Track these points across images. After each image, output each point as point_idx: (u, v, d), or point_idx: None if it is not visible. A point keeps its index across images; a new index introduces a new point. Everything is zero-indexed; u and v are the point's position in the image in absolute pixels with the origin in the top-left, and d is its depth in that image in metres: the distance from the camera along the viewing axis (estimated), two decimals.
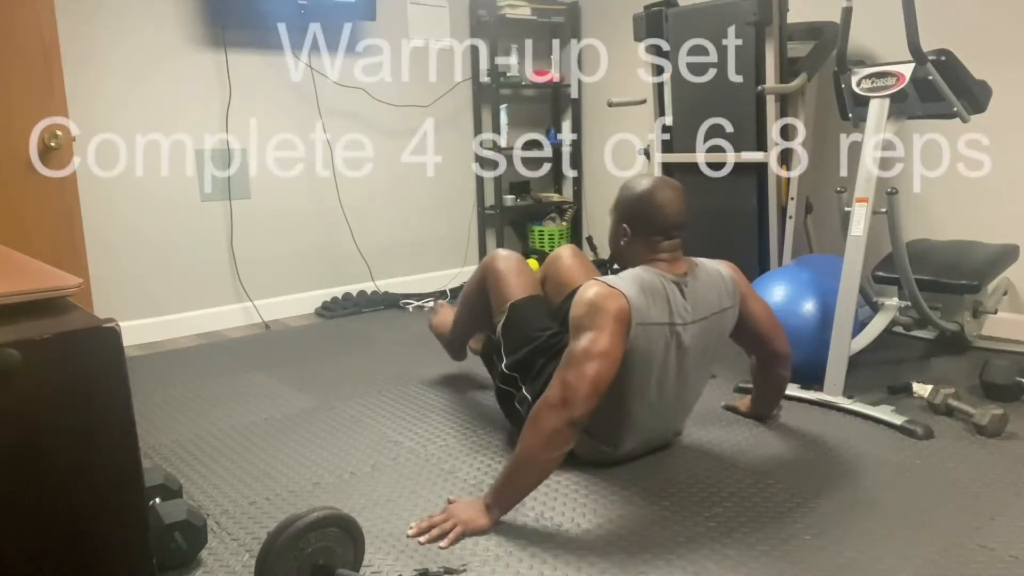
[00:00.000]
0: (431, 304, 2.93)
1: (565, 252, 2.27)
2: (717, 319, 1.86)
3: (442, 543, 1.60)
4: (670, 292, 1.77)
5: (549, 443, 1.62)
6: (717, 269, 1.91)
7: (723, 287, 1.88)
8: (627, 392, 1.78)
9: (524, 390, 2.01)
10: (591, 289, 1.72)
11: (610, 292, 1.69)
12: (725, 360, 2.54)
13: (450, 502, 1.73)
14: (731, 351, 2.09)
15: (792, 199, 3.00)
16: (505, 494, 1.66)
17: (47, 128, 2.41)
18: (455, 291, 3.88)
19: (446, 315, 2.63)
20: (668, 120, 3.35)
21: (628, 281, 1.74)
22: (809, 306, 2.43)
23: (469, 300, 2.36)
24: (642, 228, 1.83)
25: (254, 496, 1.85)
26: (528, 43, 4.35)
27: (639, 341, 1.71)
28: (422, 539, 1.62)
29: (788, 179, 3.01)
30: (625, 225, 1.85)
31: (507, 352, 2.09)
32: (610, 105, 3.44)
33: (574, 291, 2.15)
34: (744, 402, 2.27)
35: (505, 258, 2.19)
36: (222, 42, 3.37)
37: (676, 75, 3.23)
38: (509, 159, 4.36)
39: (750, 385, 2.25)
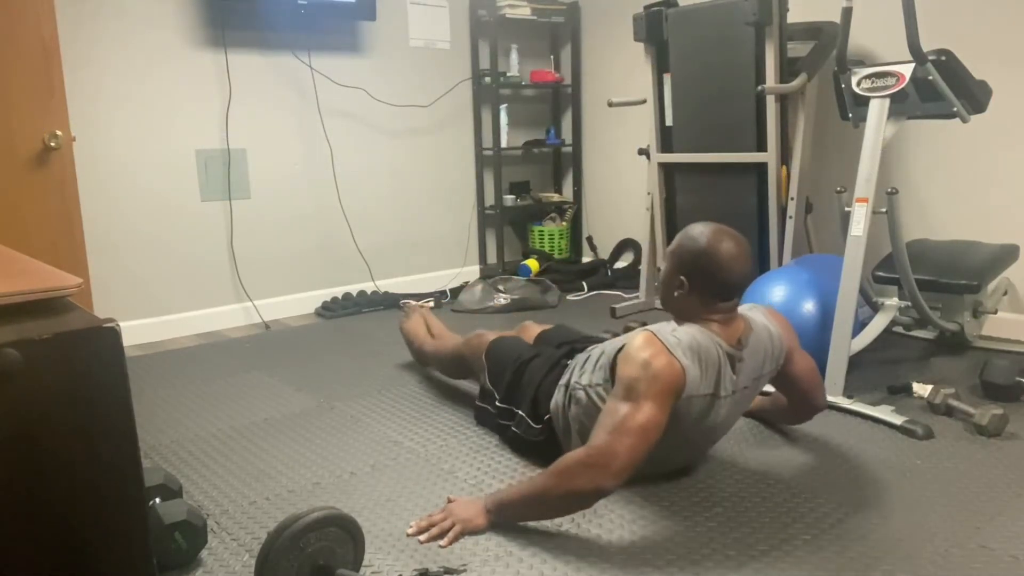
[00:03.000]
0: (422, 303, 2.94)
1: (528, 323, 2.50)
2: (756, 384, 1.80)
3: (441, 542, 1.60)
4: (723, 365, 1.67)
5: (572, 500, 1.60)
6: (767, 329, 1.79)
7: (770, 352, 1.79)
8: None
9: (520, 410, 2.02)
10: (647, 349, 1.61)
11: (668, 359, 1.59)
12: None
13: (449, 501, 1.73)
14: None
15: (792, 199, 3.00)
16: (509, 511, 1.65)
17: (47, 128, 2.41)
18: (455, 291, 3.88)
19: (416, 325, 2.75)
20: (668, 120, 3.36)
21: (686, 349, 1.62)
22: (809, 306, 2.43)
23: (445, 362, 2.52)
24: (701, 284, 1.69)
25: (254, 496, 1.85)
26: (528, 43, 4.36)
27: (678, 408, 1.64)
28: (421, 538, 1.62)
29: (788, 179, 3.01)
30: (683, 277, 1.71)
31: (496, 388, 2.14)
32: (610, 105, 3.44)
33: (542, 331, 2.34)
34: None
35: (479, 334, 2.34)
36: (222, 42, 3.37)
37: (676, 75, 3.24)
38: (509, 159, 4.36)
39: (764, 390, 2.23)
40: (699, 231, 1.72)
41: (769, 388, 2.05)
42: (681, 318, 1.75)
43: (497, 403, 2.12)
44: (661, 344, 1.61)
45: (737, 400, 1.76)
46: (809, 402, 1.98)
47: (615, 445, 1.54)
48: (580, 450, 1.59)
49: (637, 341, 1.64)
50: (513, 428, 2.04)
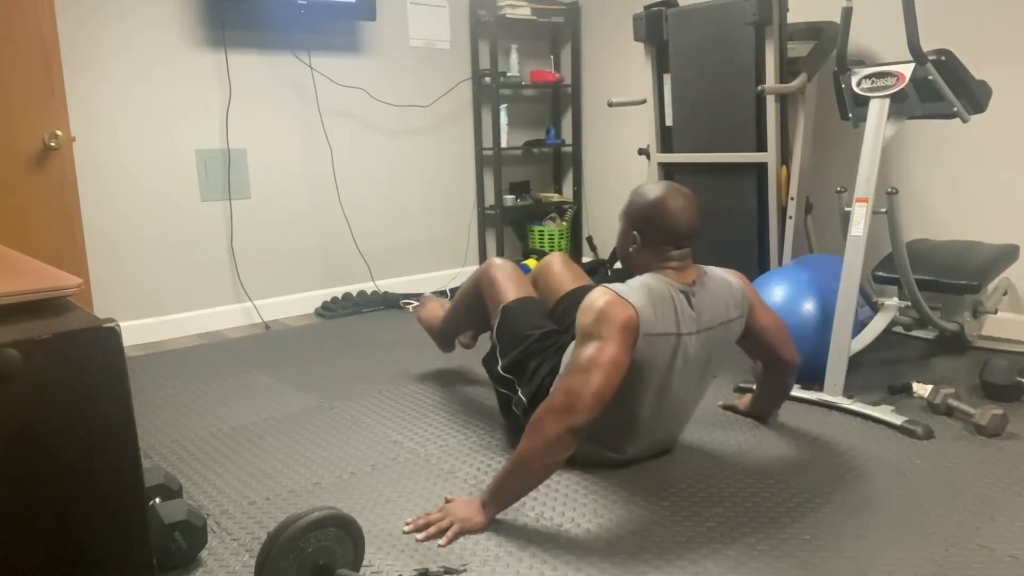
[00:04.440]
0: (418, 300, 2.93)
1: (555, 259, 2.32)
2: (723, 329, 1.85)
3: (440, 541, 1.60)
4: (677, 302, 1.75)
5: (549, 449, 1.61)
6: (726, 278, 1.89)
7: (731, 297, 1.87)
8: (629, 399, 1.77)
9: (520, 392, 2.02)
10: (601, 298, 1.70)
11: (619, 302, 1.68)
12: (725, 360, 2.54)
13: (447, 500, 1.73)
14: (731, 351, 2.09)
15: (792, 199, 3.00)
16: (502, 494, 1.66)
17: (47, 128, 2.41)
18: (455, 291, 3.87)
19: (434, 308, 2.68)
20: (668, 120, 3.36)
21: (637, 291, 1.72)
22: (809, 306, 2.43)
23: (462, 301, 2.42)
24: (652, 236, 1.80)
25: (254, 496, 1.85)
26: (528, 43, 4.36)
27: (644, 351, 1.71)
28: (419, 536, 1.62)
29: (788, 179, 3.01)
30: (635, 232, 1.83)
31: (502, 354, 2.12)
32: (610, 105, 3.44)
33: (566, 295, 2.22)
34: (744, 401, 2.27)
35: (500, 266, 2.25)
36: (222, 42, 3.37)
37: (676, 75, 3.24)
38: (509, 159, 4.36)
39: (750, 385, 2.25)
40: (645, 189, 1.84)
41: (747, 385, 2.07)
42: (639, 272, 1.83)
43: (500, 370, 2.10)
44: (612, 291, 1.71)
45: (705, 341, 1.80)
46: (781, 358, 2.02)
47: (577, 384, 1.61)
48: (546, 399, 1.65)
49: (591, 294, 1.73)
50: (514, 407, 2.05)
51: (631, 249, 1.85)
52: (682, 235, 1.79)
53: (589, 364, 1.63)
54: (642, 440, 1.90)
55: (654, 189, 1.82)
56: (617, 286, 1.73)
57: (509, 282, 2.21)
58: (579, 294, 2.23)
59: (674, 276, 1.78)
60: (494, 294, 2.21)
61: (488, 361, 2.22)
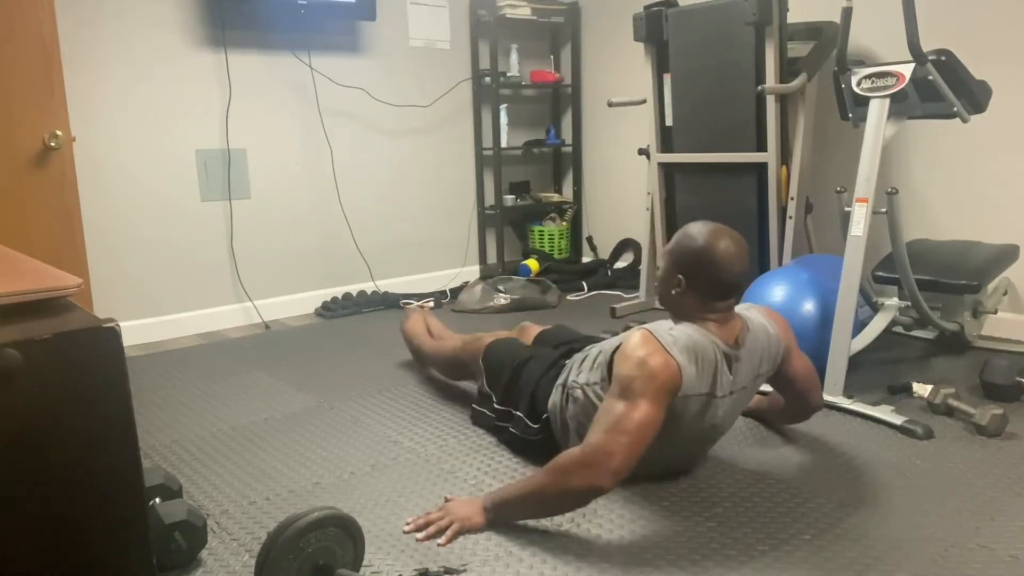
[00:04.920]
0: (422, 303, 2.94)
1: (528, 323, 2.50)
2: (754, 383, 1.80)
3: (439, 540, 1.60)
4: (720, 364, 1.67)
5: (568, 499, 1.60)
6: (765, 329, 1.79)
7: (767, 351, 1.79)
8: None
9: (518, 412, 2.03)
10: (644, 347, 1.60)
11: (662, 356, 1.59)
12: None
13: (447, 500, 1.73)
14: None
15: (792, 199, 3.00)
16: (507, 510, 1.66)
17: (47, 128, 2.41)
18: (455, 291, 3.88)
19: (417, 324, 2.74)
20: (668, 120, 3.36)
21: (682, 348, 1.62)
22: (809, 306, 2.43)
23: (443, 363, 2.52)
24: (698, 284, 1.69)
25: (254, 496, 1.85)
26: (528, 43, 4.36)
27: (675, 407, 1.64)
28: (419, 536, 1.62)
29: (788, 179, 3.01)
30: (680, 276, 1.71)
31: (494, 391, 2.14)
32: (610, 105, 3.44)
33: (544, 330, 2.34)
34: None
35: (488, 336, 2.34)
36: (222, 42, 3.37)
37: (676, 75, 3.24)
38: (509, 159, 4.37)
39: (761, 389, 2.23)
40: (697, 230, 1.72)
41: (767, 387, 2.06)
42: (678, 317, 1.75)
43: (495, 405, 2.12)
44: (657, 342, 1.61)
45: (735, 400, 1.76)
46: (806, 402, 1.98)
47: (611, 444, 1.54)
48: (576, 449, 1.59)
49: (634, 339, 1.64)
50: (511, 429, 2.04)
51: (673, 292, 1.74)
52: (731, 287, 1.69)
53: (624, 424, 1.55)
54: (652, 471, 1.86)
55: (705, 233, 1.70)
56: (660, 333, 1.64)
57: (487, 335, 2.33)
58: (553, 330, 2.36)
59: (717, 331, 1.69)
60: (475, 353, 2.28)
61: (479, 416, 2.23)
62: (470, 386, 2.59)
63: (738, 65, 2.99)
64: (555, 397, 1.92)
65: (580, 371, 1.86)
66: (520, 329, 2.48)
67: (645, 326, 1.69)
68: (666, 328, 1.67)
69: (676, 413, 1.65)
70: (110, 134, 3.15)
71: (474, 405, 2.25)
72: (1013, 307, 2.94)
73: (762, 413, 2.20)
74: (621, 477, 1.55)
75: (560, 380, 1.93)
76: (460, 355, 2.37)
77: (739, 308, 1.82)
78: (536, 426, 1.96)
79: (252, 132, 3.50)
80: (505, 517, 1.66)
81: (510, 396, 2.07)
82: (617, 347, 1.71)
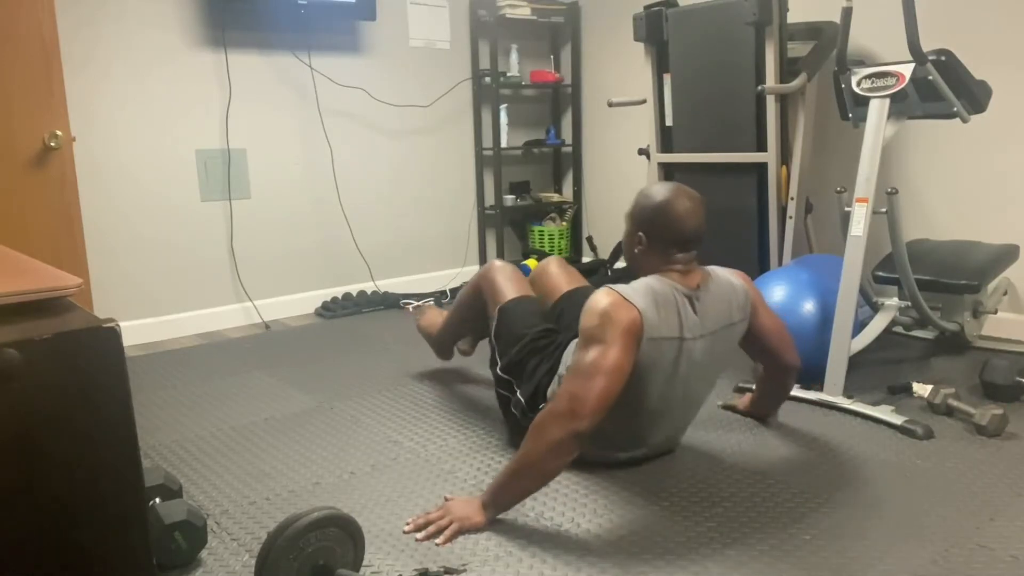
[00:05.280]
0: (418, 304, 2.93)
1: (552, 262, 2.35)
2: (726, 332, 1.84)
3: (438, 540, 1.60)
4: (681, 306, 1.74)
5: (552, 453, 1.61)
6: (730, 281, 1.88)
7: (735, 300, 1.86)
8: (632, 402, 1.77)
9: (518, 392, 2.03)
10: (604, 299, 1.69)
11: (622, 303, 1.67)
12: (729, 362, 2.54)
13: (447, 499, 1.73)
14: (734, 352, 2.09)
15: (792, 199, 3.00)
16: (503, 496, 1.66)
17: (47, 128, 2.41)
18: (455, 291, 3.88)
19: (432, 316, 2.70)
20: (668, 120, 3.36)
21: (641, 293, 1.70)
22: (809, 306, 2.43)
23: (462, 304, 2.43)
24: (658, 238, 1.78)
25: (254, 496, 1.85)
26: (528, 43, 4.36)
27: (647, 354, 1.69)
28: (419, 536, 1.62)
29: (788, 179, 3.01)
30: (641, 234, 1.81)
31: (500, 355, 2.13)
32: (610, 105, 3.44)
33: (563, 295, 2.24)
34: (743, 401, 2.27)
35: (500, 267, 2.28)
36: (222, 42, 3.37)
37: (676, 75, 3.24)
38: (509, 159, 4.36)
39: (749, 385, 2.25)
40: (653, 189, 1.84)
41: (746, 385, 2.07)
42: (644, 274, 1.82)
43: (499, 370, 2.11)
44: (617, 294, 1.69)
45: (709, 345, 1.80)
46: (782, 360, 2.02)
47: (580, 389, 1.60)
48: (549, 404, 1.64)
49: (595, 296, 1.72)
50: (512, 409, 2.05)
51: (636, 251, 1.84)
52: (688, 238, 1.77)
53: (592, 369, 1.62)
54: (645, 441, 1.90)
55: (661, 191, 1.80)
56: (621, 287, 1.72)
57: (508, 283, 2.23)
58: (576, 295, 2.25)
59: (679, 279, 1.77)
60: (493, 295, 2.23)
61: (491, 364, 2.22)
62: (472, 388, 2.60)
63: (738, 65, 2.99)
64: (554, 387, 1.94)
65: (570, 355, 1.88)
66: (543, 270, 2.34)
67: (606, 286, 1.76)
68: (627, 284, 1.75)
69: (650, 360, 1.70)
70: (110, 134, 3.15)
71: (491, 359, 2.22)
72: (1013, 307, 2.94)
73: (755, 407, 2.22)
74: (597, 417, 1.60)
75: (559, 371, 1.94)
76: (479, 283, 2.30)
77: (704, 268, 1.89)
78: (533, 414, 1.96)
79: (252, 132, 3.50)
80: (503, 503, 1.67)
81: (513, 369, 2.07)
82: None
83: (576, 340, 1.91)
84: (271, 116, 3.55)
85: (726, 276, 1.89)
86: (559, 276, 2.30)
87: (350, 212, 3.84)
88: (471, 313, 2.40)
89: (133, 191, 3.23)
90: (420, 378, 2.70)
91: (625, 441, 1.88)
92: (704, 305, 1.78)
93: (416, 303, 3.75)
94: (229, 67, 3.39)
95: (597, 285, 4.29)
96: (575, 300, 2.20)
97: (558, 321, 2.16)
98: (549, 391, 1.95)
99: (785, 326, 2.02)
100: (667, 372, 1.76)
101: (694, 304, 1.76)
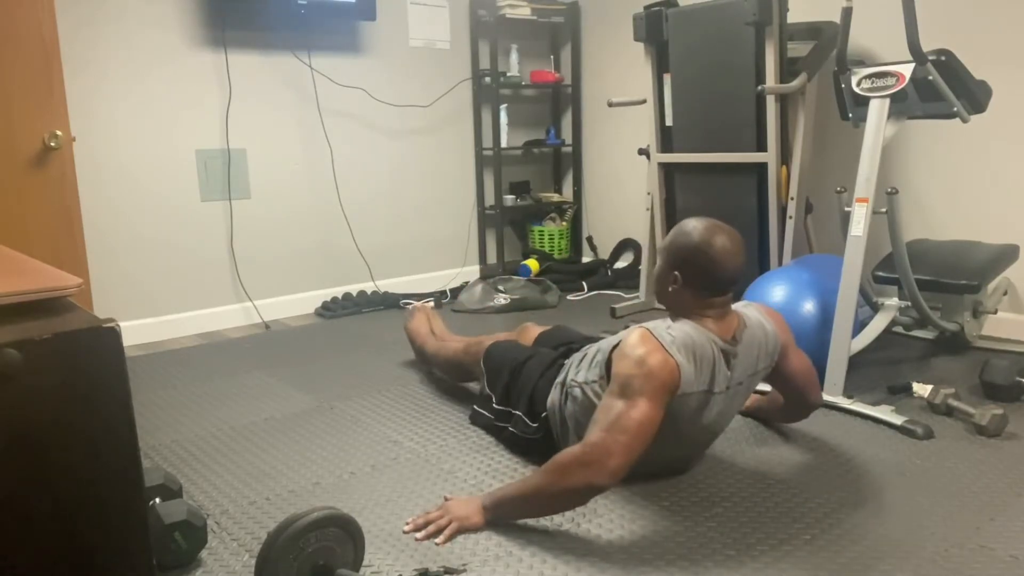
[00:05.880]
0: (416, 304, 2.94)
1: (530, 324, 2.52)
2: (751, 380, 1.80)
3: (438, 540, 1.60)
4: (717, 362, 1.67)
5: (565, 496, 1.60)
6: (762, 325, 1.80)
7: (764, 348, 1.79)
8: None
9: (518, 410, 2.03)
10: (642, 347, 1.61)
11: (661, 354, 1.59)
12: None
13: (446, 499, 1.73)
14: None
15: (792, 199, 3.00)
16: (505, 509, 1.66)
17: (47, 128, 2.41)
18: (455, 291, 3.88)
19: (420, 322, 2.75)
20: (668, 120, 3.36)
21: (680, 346, 1.63)
22: (809, 306, 2.43)
23: (449, 361, 2.49)
24: (694, 279, 1.70)
25: (254, 496, 1.85)
26: (528, 43, 4.36)
27: (673, 405, 1.64)
28: (418, 535, 1.62)
29: (788, 179, 3.01)
30: (677, 273, 1.72)
31: (493, 391, 2.15)
32: (610, 105, 3.44)
33: (542, 332, 2.34)
34: (747, 402, 2.25)
35: (489, 339, 2.35)
36: (222, 42, 3.36)
37: (676, 75, 3.24)
38: (509, 159, 4.37)
39: (760, 388, 2.23)
40: (692, 226, 1.73)
41: (765, 387, 2.06)
42: (676, 313, 1.76)
43: (494, 405, 2.12)
44: (656, 341, 1.62)
45: (732, 395, 1.76)
46: (805, 399, 1.98)
47: (610, 443, 1.54)
48: (576, 447, 1.59)
49: (632, 338, 1.65)
50: (510, 428, 2.04)
51: (670, 289, 1.75)
52: (727, 282, 1.69)
53: (623, 422, 1.55)
54: (651, 468, 1.86)
55: (700, 229, 1.71)
56: (659, 332, 1.64)
57: (488, 339, 2.34)
58: (554, 331, 2.36)
59: (714, 328, 1.69)
60: (477, 351, 2.29)
61: (478, 416, 2.23)
62: (473, 387, 2.59)
63: (738, 65, 2.99)
64: (554, 396, 1.92)
65: (579, 370, 1.86)
66: (521, 330, 2.49)
67: (644, 325, 1.69)
68: (664, 327, 1.68)
69: (675, 410, 1.65)
70: (110, 134, 3.15)
71: (475, 406, 2.25)
72: (1013, 307, 2.94)
73: (761, 412, 2.20)
74: (619, 476, 1.55)
75: (559, 379, 1.93)
76: (462, 358, 2.38)
77: (736, 306, 1.82)
78: (535, 425, 1.96)
79: (252, 132, 3.50)
80: (504, 516, 1.66)
81: (509, 396, 2.08)
82: (615, 345, 1.71)
83: (583, 353, 1.91)
84: (271, 116, 3.55)
85: (759, 320, 1.80)
86: (534, 328, 2.45)
87: (350, 212, 3.84)
88: (452, 374, 2.52)
89: (133, 191, 3.23)
90: (420, 378, 2.70)
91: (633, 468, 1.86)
92: (737, 360, 1.72)
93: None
94: (229, 67, 3.39)
95: (597, 285, 4.30)
96: (554, 334, 2.33)
97: (538, 350, 2.21)
98: (549, 401, 1.94)
99: (811, 365, 1.95)
100: (686, 420, 1.70)
101: (729, 361, 1.70)
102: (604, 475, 1.54)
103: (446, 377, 2.61)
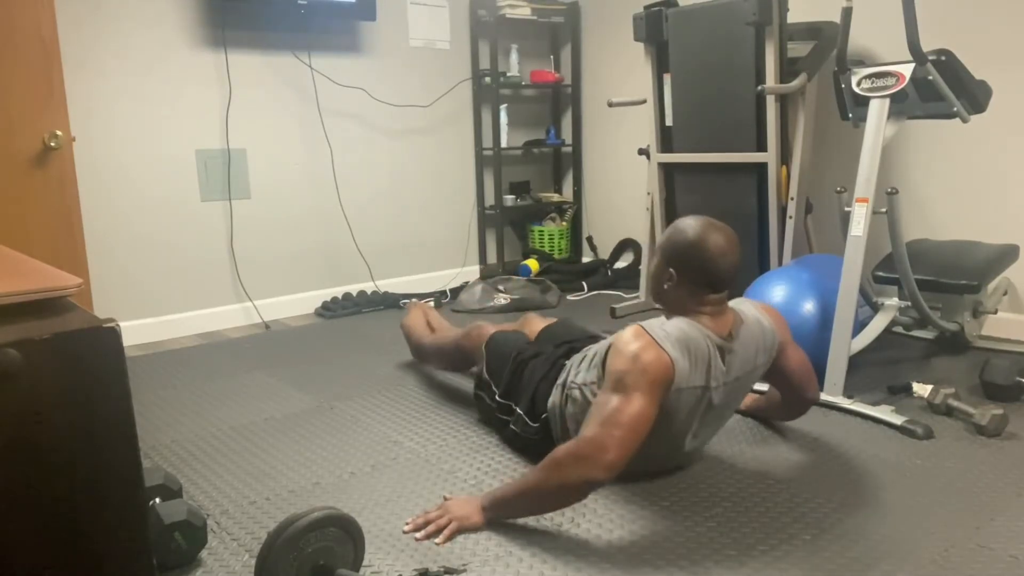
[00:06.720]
0: (414, 303, 2.95)
1: (531, 313, 2.54)
2: (749, 376, 1.80)
3: (437, 540, 1.60)
4: (713, 357, 1.68)
5: (561, 492, 1.60)
6: (759, 321, 1.81)
7: (762, 344, 1.80)
8: (644, 440, 1.71)
9: (518, 408, 2.03)
10: (636, 342, 1.62)
11: (655, 350, 1.60)
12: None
13: (446, 499, 1.73)
14: None
15: (792, 199, 3.00)
16: (504, 508, 1.66)
17: (47, 128, 2.41)
18: (455, 291, 3.88)
19: (416, 317, 2.75)
20: (668, 120, 3.35)
21: (675, 342, 1.63)
22: (809, 306, 2.43)
23: (443, 352, 2.51)
24: (689, 276, 1.70)
25: (254, 496, 1.85)
26: (528, 43, 4.36)
27: (668, 401, 1.65)
28: (418, 535, 1.62)
29: (788, 179, 3.01)
30: (672, 270, 1.73)
31: (496, 384, 2.14)
32: (610, 105, 3.44)
33: (543, 329, 2.32)
34: (746, 401, 2.26)
35: (480, 324, 2.36)
36: (222, 42, 3.37)
37: (676, 75, 3.24)
38: (509, 159, 4.37)
39: (758, 388, 2.24)
40: (687, 224, 1.74)
41: (763, 387, 2.06)
42: (671, 311, 1.77)
43: (497, 397, 2.12)
44: (650, 337, 1.63)
45: (729, 391, 1.76)
46: (802, 395, 1.99)
47: (605, 437, 1.55)
48: (571, 443, 1.60)
49: (626, 334, 1.66)
50: (511, 425, 2.04)
51: (665, 286, 1.76)
52: (722, 279, 1.69)
53: (618, 417, 1.56)
54: (649, 466, 1.87)
55: (695, 226, 1.72)
56: (653, 329, 1.65)
57: (490, 325, 2.34)
58: (556, 326, 2.33)
59: (710, 325, 1.70)
60: (479, 337, 2.28)
61: (481, 403, 2.23)
62: (471, 384, 2.59)
63: (738, 65, 2.99)
64: (555, 397, 1.92)
65: (578, 371, 1.87)
66: (524, 320, 2.47)
67: (638, 322, 1.70)
68: (659, 323, 1.69)
69: (671, 406, 1.66)
70: (110, 134, 3.15)
71: (475, 390, 2.24)
72: (1013, 307, 2.94)
73: (759, 412, 2.21)
74: (616, 470, 1.56)
75: (560, 380, 1.93)
76: (462, 342, 2.37)
77: (733, 303, 1.83)
78: (535, 425, 1.96)
79: (252, 132, 3.50)
80: (503, 515, 1.66)
81: (511, 392, 2.08)
82: (611, 344, 1.72)
83: (582, 354, 1.91)
84: (271, 116, 3.55)
85: (756, 317, 1.81)
86: (538, 321, 2.42)
87: (350, 212, 3.84)
88: (451, 362, 2.52)
89: (133, 191, 3.23)
90: (420, 378, 2.70)
91: (631, 465, 1.87)
92: (733, 356, 1.73)
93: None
94: (229, 67, 3.39)
95: (597, 285, 4.30)
96: (555, 331, 2.29)
97: (547, 338, 2.21)
98: (549, 402, 1.94)
99: (809, 363, 1.95)
100: (683, 416, 1.71)
101: (724, 356, 1.70)
102: (599, 469, 1.54)
103: (443, 369, 2.61)
